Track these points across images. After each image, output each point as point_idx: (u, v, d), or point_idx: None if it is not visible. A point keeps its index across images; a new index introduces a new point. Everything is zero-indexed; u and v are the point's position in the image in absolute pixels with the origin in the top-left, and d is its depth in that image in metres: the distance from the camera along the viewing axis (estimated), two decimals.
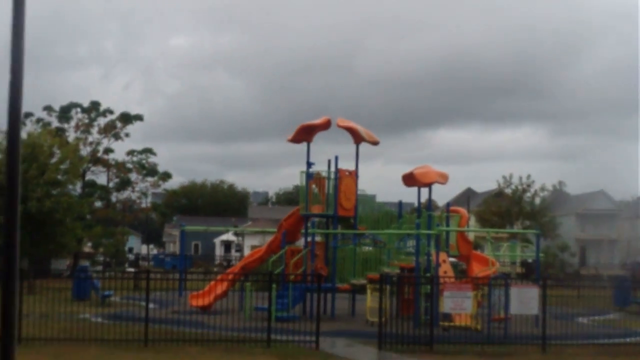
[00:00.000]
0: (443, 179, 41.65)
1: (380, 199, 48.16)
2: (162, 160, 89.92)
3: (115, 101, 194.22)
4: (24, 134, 29.70)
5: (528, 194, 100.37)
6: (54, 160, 51.18)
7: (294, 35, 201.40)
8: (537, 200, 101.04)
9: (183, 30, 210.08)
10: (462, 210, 51.90)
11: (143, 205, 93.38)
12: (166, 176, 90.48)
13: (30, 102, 61.55)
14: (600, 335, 36.03)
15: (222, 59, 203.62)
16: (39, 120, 76.60)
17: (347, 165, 42.61)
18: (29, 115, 72.53)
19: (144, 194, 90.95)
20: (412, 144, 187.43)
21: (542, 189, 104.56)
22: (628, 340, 34.20)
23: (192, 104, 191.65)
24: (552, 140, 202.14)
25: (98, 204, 79.33)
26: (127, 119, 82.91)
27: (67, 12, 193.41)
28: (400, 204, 47.87)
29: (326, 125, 42.46)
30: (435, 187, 41.37)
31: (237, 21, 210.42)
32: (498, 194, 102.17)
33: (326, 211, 41.98)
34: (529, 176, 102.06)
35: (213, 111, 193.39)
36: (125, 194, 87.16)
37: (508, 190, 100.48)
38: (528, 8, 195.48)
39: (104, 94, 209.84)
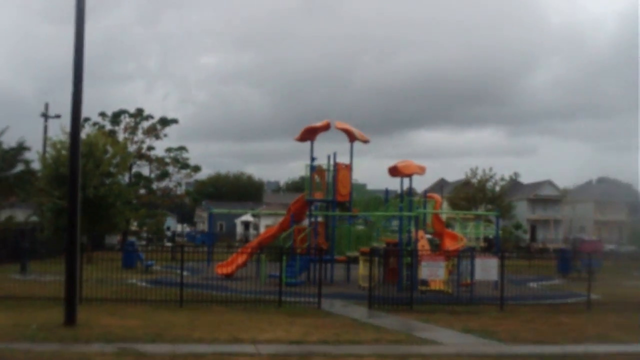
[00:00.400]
0: (421, 170, 41.60)
1: (370, 187, 48.19)
2: (193, 156, 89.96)
3: (156, 108, 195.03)
4: (83, 135, 29.68)
5: (490, 183, 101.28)
6: (107, 156, 51.10)
7: (301, 54, 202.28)
8: (497, 188, 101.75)
9: (211, 50, 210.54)
10: (437, 196, 52.06)
11: (178, 192, 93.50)
12: (196, 169, 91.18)
13: (88, 110, 61.22)
14: (546, 297, 36.03)
15: (241, 73, 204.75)
16: (95, 123, 77.06)
17: (343, 159, 42.63)
18: (87, 119, 72.70)
19: (179, 183, 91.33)
20: (396, 142, 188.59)
21: (501, 179, 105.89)
22: (569, 300, 34.16)
23: (217, 110, 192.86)
24: (509, 139, 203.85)
25: (142, 191, 79.53)
26: (165, 122, 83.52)
27: (118, 37, 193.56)
28: (386, 191, 47.92)
29: (326, 127, 42.46)
30: (414, 177, 41.24)
31: (254, 43, 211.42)
32: (466, 183, 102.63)
33: (326, 197, 41.97)
34: (490, 169, 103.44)
35: (234, 116, 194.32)
36: (164, 183, 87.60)
37: (474, 180, 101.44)
38: (491, 32, 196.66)
39: (146, 103, 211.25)
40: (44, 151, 52.64)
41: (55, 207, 43.68)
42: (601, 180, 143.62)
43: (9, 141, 33.99)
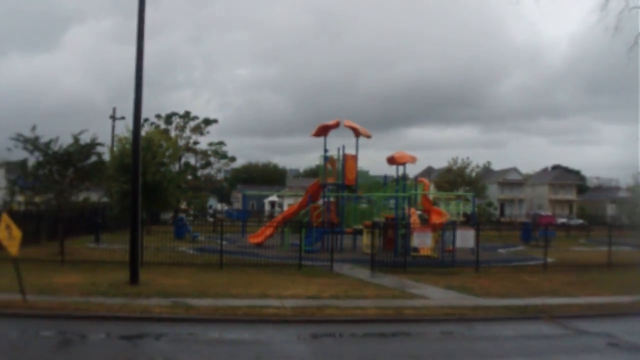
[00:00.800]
0: (413, 160, 41.42)
1: (372, 173, 47.77)
2: (230, 149, 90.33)
3: (200, 111, 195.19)
4: (142, 133, 29.78)
5: (467, 170, 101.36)
6: (161, 149, 51.10)
7: (315, 66, 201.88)
8: (473, 174, 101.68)
9: (244, 64, 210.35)
10: (425, 180, 52.18)
11: (218, 178, 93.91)
12: (232, 159, 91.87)
13: (147, 112, 60.97)
14: (512, 260, 36.05)
15: (268, 82, 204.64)
16: (152, 123, 77.32)
17: (350, 151, 42.50)
18: (146, 120, 72.94)
19: (219, 171, 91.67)
20: (393, 137, 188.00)
21: (476, 166, 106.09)
22: (529, 263, 34.26)
23: (249, 112, 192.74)
24: (483, 135, 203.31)
25: (189, 177, 79.70)
26: (207, 122, 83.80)
27: (170, 54, 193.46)
28: (385, 176, 47.88)
29: (336, 125, 42.41)
30: (408, 165, 41.12)
31: (278, 58, 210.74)
32: (448, 170, 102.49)
33: (337, 181, 41.92)
34: (468, 158, 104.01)
35: (262, 116, 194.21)
36: (207, 170, 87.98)
37: (455, 167, 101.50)
38: (469, 49, 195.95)
39: (193, 106, 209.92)
40: (112, 146, 52.78)
41: (121, 190, 43.75)
42: (555, 167, 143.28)
43: (85, 138, 33.97)
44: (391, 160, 40.61)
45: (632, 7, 14.15)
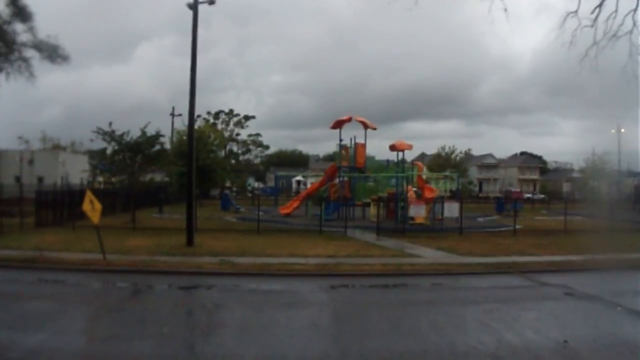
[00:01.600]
0: (410, 147, 41.14)
1: (377, 157, 47.78)
2: (265, 139, 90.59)
3: (241, 109, 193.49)
4: (195, 126, 30.05)
5: (453, 155, 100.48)
6: (210, 139, 51.28)
7: (333, 72, 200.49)
8: (457, 159, 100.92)
9: (277, 71, 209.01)
10: (420, 163, 51.67)
11: (255, 162, 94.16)
12: (267, 147, 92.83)
13: (199, 110, 60.49)
14: (488, 227, 35.80)
15: (296, 86, 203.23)
16: (203, 119, 77.62)
17: (360, 140, 42.19)
18: (198, 116, 72.89)
19: (256, 156, 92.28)
20: (394, 129, 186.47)
21: (460, 153, 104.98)
22: (502, 229, 33.87)
23: (281, 110, 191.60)
24: (466, 127, 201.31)
25: (233, 161, 79.67)
26: (247, 118, 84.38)
27: (218, 64, 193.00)
28: (387, 161, 47.58)
29: (349, 120, 42.22)
30: (406, 152, 40.81)
31: (304, 67, 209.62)
32: (438, 156, 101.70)
33: (349, 164, 41.72)
34: (453, 146, 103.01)
35: (291, 113, 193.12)
36: (246, 156, 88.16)
37: (443, 154, 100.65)
38: (454, 58, 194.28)
39: (235, 105, 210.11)
40: (172, 137, 53.05)
41: (179, 172, 43.86)
42: (522, 153, 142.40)
43: (151, 130, 34.23)
44: (392, 148, 40.45)
45: (584, 25, 14.04)
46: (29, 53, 23.73)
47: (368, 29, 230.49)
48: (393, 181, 41.87)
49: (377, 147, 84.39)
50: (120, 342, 10.32)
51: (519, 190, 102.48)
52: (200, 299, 14.80)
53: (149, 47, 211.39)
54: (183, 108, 56.23)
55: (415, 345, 10.42)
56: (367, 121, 43.10)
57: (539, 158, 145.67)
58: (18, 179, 55.77)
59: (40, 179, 53.75)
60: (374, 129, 44.25)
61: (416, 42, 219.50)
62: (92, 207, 19.71)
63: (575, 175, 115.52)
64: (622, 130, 75.62)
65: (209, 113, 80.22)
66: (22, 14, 22.19)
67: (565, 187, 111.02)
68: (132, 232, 28.88)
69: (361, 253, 22.44)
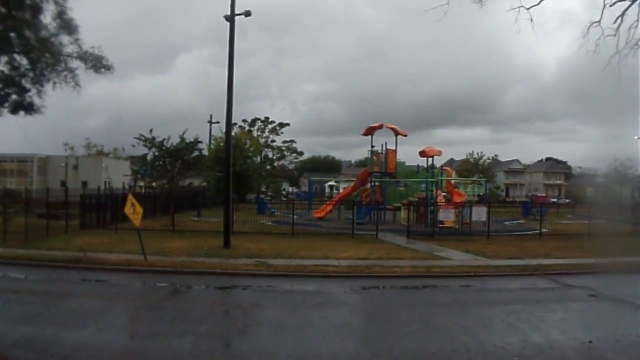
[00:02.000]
0: (439, 153, 41.16)
1: (408, 163, 47.44)
2: (299, 145, 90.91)
3: (276, 116, 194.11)
4: (232, 133, 30.15)
5: (481, 161, 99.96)
6: (246, 146, 51.45)
7: (364, 82, 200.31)
8: (485, 164, 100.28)
9: (309, 80, 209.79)
10: (449, 169, 51.49)
11: (290, 167, 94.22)
12: (301, 153, 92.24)
13: (235, 118, 60.78)
14: (515, 230, 35.47)
15: (328, 95, 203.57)
16: (239, 126, 77.56)
17: (390, 146, 42.00)
18: (234, 124, 73.21)
19: (290, 162, 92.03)
20: (424, 136, 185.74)
21: (487, 158, 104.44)
22: (528, 232, 33.50)
23: (313, 118, 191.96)
24: (492, 134, 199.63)
25: (268, 167, 79.54)
26: (282, 125, 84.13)
27: (254, 74, 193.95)
28: (417, 166, 47.58)
29: (380, 127, 42.10)
30: (435, 158, 40.73)
31: (336, 77, 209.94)
32: (466, 161, 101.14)
33: (381, 169, 41.55)
34: (481, 152, 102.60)
35: (324, 121, 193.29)
36: (281, 162, 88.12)
37: (471, 159, 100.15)
38: (482, 67, 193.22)
39: (271, 113, 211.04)
40: (209, 143, 53.29)
41: (216, 177, 44.05)
42: (548, 159, 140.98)
43: (189, 137, 34.53)
44: (422, 154, 40.31)
45: (607, 35, 13.90)
46: (75, 64, 23.93)
47: (398, 39, 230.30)
48: (423, 186, 41.64)
49: (408, 153, 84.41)
50: (160, 340, 10.43)
51: (544, 194, 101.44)
52: (237, 298, 14.87)
53: (188, 58, 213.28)
54: (220, 116, 56.53)
55: (444, 345, 10.39)
56: (398, 128, 42.96)
57: (564, 163, 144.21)
58: (63, 183, 56.78)
59: (84, 184, 54.49)
60: (405, 135, 44.10)
61: (445, 51, 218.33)
62: (133, 210, 19.96)
63: (598, 180, 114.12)
64: None
65: (244, 121, 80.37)
66: (68, 27, 22.40)
67: (589, 192, 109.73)
68: (171, 234, 29.12)
69: (392, 255, 22.37)
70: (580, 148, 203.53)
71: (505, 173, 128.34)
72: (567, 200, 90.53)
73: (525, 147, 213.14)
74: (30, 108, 24.30)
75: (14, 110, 24.39)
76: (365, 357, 9.62)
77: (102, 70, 24.98)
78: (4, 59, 23.86)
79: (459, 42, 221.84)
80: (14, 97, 24.18)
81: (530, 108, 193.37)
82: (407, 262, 20.87)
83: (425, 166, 41.76)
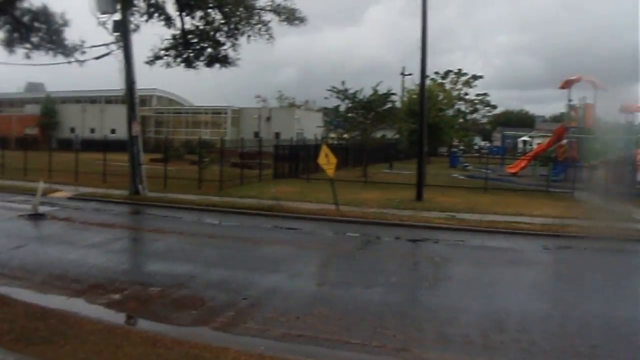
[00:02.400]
0: None
1: (606, 119, 44.55)
2: (492, 99, 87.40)
3: (469, 69, 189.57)
4: (426, 85, 29.69)
5: None
6: (439, 98, 50.77)
7: (560, 33, 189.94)
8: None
9: (504, 32, 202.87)
10: None
11: (482, 121, 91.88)
12: (494, 107, 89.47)
13: (428, 70, 59.96)
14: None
15: (523, 46, 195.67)
16: (431, 79, 75.88)
17: (589, 101, 39.52)
18: (427, 76, 72.28)
19: (483, 116, 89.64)
20: (625, 91, 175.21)
21: None
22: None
23: (507, 70, 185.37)
24: None
25: (461, 120, 77.77)
26: (475, 77, 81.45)
27: (447, 25, 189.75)
28: (617, 122, 44.55)
29: (578, 80, 39.53)
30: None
31: (531, 26, 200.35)
32: None
33: (578, 124, 39.21)
34: None
35: (517, 74, 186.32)
36: (474, 115, 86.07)
37: None
38: None
39: (463, 65, 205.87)
40: (402, 96, 52.99)
41: (409, 129, 43.86)
42: None
43: (382, 89, 34.33)
44: (624, 108, 37.50)
45: None
46: (268, 17, 24.37)
47: None
48: (623, 144, 38.83)
49: (607, 109, 79.05)
50: (350, 288, 10.32)
51: None
52: (427, 252, 14.50)
53: (378, 9, 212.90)
54: (412, 68, 55.95)
55: (639, 312, 9.46)
56: (597, 81, 40.17)
57: None
58: (257, 134, 58.91)
59: (277, 135, 56.14)
60: (605, 89, 41.12)
61: None
62: (327, 161, 20.09)
63: None
64: None
65: (436, 73, 78.54)
66: None
67: None
68: (363, 185, 29.26)
69: (588, 215, 20.94)
70: None
71: None
72: None
73: None
74: (224, 61, 25.22)
75: (209, 63, 25.40)
76: (556, 319, 8.94)
77: (296, 22, 25.28)
78: (199, 14, 24.80)
79: None
80: (209, 50, 25.18)
81: None
82: (601, 223, 19.47)
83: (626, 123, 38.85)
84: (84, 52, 19.75)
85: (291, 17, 24.15)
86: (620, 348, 7.70)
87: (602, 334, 8.29)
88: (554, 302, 10.16)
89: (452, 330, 8.21)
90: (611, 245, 16.06)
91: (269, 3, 24.04)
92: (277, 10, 24.07)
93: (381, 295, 10.01)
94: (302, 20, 24.54)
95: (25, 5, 17.78)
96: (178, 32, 24.31)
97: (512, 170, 40.28)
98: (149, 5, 23.22)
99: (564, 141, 40.91)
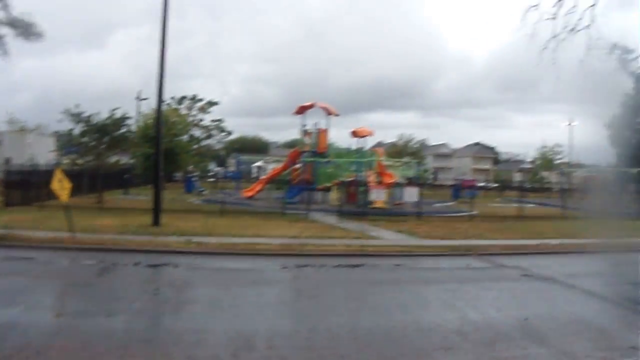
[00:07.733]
0: (371, 133, 41.65)
1: (338, 144, 47.58)
2: (228, 125, 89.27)
3: (206, 95, 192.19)
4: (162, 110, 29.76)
5: (410, 144, 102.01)
6: (175, 123, 50.89)
7: (298, 65, 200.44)
8: (415, 147, 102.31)
9: (244, 62, 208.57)
10: (380, 149, 51.80)
11: (217, 147, 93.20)
12: (229, 133, 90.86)
13: (167, 96, 59.78)
14: (445, 212, 36.19)
15: (261, 77, 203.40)
16: (167, 104, 75.80)
17: (322, 126, 42.13)
18: (164, 101, 72.02)
19: (218, 142, 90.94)
20: (355, 119, 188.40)
21: (417, 142, 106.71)
22: (458, 214, 34.31)
23: (245, 99, 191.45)
24: (423, 118, 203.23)
25: (195, 146, 78.20)
26: (210, 104, 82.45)
27: (187, 53, 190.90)
28: (348, 148, 47.77)
29: (312, 106, 42.18)
30: (368, 138, 41.11)
31: (271, 59, 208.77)
32: (394, 144, 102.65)
33: (311, 149, 41.53)
34: (410, 135, 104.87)
35: (255, 102, 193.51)
36: (209, 141, 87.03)
37: (400, 142, 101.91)
38: (415, 55, 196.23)
39: (200, 91, 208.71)
40: (138, 120, 52.41)
41: (144, 154, 43.40)
42: (476, 144, 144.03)
43: (119, 114, 33.95)
44: (354, 134, 40.68)
45: (546, 18, 14.20)
46: (3, 30, 23.12)
47: (335, 23, 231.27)
48: (354, 166, 41.91)
49: (338, 136, 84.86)
50: (92, 318, 10.15)
51: (473, 178, 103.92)
52: (169, 276, 14.61)
53: (124, 34, 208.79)
54: (152, 93, 55.73)
55: (381, 321, 10.44)
56: (330, 107, 43.03)
57: (492, 149, 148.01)
58: None
59: (7, 160, 52.70)
60: (336, 115, 44.11)
61: (378, 38, 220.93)
62: (61, 186, 19.45)
63: (525, 166, 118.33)
64: (575, 123, 76.99)
65: (172, 98, 79.11)
66: None
67: (516, 177, 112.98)
68: (99, 211, 28.54)
69: (324, 234, 22.51)
70: (510, 135, 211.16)
71: (434, 157, 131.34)
72: (495, 185, 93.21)
73: (455, 133, 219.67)
74: None
75: None
76: (303, 333, 9.54)
77: (33, 37, 24.13)
78: None
79: (394, 30, 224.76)
80: None
81: (459, 95, 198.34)
82: (339, 241, 21.02)
83: (357, 147, 42.08)
84: None
85: (28, 31, 23.09)
86: (367, 356, 8.51)
87: (349, 343, 9.01)
88: (299, 318, 10.81)
89: (201, 352, 8.40)
90: (349, 261, 17.37)
91: (5, 16, 22.79)
92: (13, 24, 22.88)
93: (125, 323, 9.91)
94: (39, 35, 23.57)
95: None
96: None
97: (249, 194, 41.58)
98: None
99: (298, 165, 43.12)
